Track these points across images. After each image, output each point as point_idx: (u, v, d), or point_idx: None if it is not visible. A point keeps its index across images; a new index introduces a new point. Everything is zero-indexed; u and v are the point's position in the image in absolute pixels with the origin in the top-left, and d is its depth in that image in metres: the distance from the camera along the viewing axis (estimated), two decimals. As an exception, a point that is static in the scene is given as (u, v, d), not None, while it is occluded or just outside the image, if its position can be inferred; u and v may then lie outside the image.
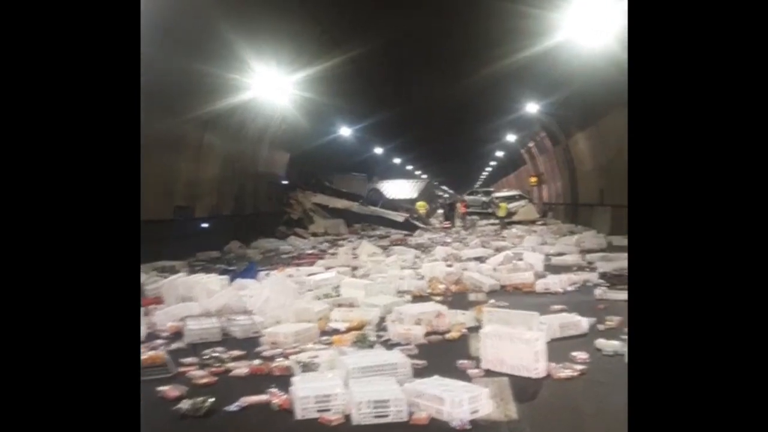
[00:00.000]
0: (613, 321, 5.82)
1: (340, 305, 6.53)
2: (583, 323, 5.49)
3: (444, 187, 61.16)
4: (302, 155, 24.87)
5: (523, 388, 3.93)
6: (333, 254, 13.55)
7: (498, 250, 13.58)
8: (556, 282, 7.97)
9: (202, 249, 13.79)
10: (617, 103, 15.19)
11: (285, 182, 23.74)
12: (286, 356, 4.81)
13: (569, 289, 8.04)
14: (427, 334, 5.45)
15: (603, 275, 9.08)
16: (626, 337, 4.56)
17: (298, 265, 11.96)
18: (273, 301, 6.54)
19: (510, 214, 27.49)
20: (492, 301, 7.11)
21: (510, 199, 30.70)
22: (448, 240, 17.74)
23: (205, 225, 15.77)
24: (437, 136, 29.82)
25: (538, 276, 8.75)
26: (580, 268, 10.17)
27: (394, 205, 25.65)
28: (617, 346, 4.77)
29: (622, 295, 7.18)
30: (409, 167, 49.00)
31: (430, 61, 17.46)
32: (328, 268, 10.05)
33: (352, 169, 33.48)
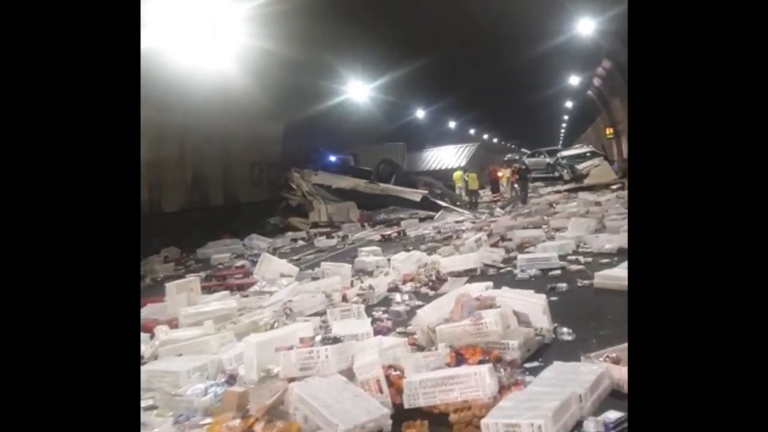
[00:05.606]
0: None
1: None
2: None
3: (524, 150, 53.45)
4: (301, 125, 19.62)
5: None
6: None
7: (523, 246, 8.14)
8: (545, 422, 2.53)
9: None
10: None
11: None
12: None
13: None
14: None
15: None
16: None
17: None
18: None
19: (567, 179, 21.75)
20: None
21: (579, 157, 24.28)
22: (465, 227, 12.20)
23: None
24: (481, 86, 23.86)
25: (513, 368, 3.37)
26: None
27: (412, 180, 19.94)
28: None
29: None
30: (472, 131, 42.56)
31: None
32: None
33: (389, 139, 27.92)
